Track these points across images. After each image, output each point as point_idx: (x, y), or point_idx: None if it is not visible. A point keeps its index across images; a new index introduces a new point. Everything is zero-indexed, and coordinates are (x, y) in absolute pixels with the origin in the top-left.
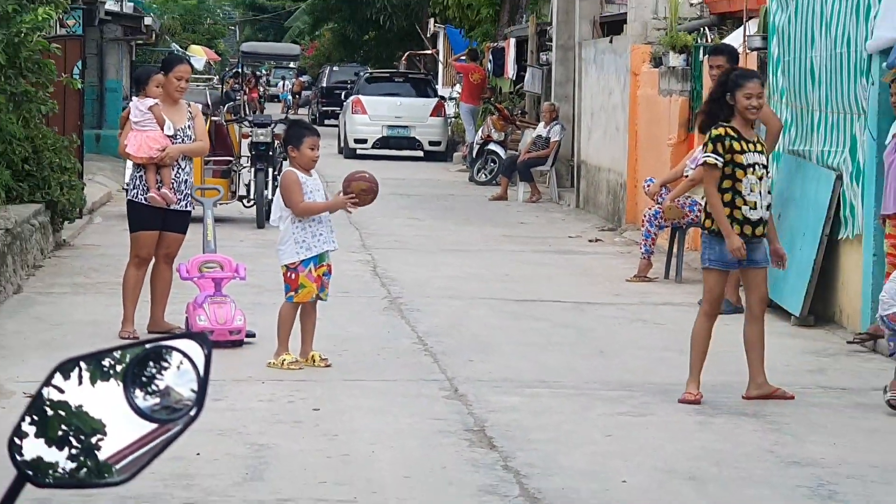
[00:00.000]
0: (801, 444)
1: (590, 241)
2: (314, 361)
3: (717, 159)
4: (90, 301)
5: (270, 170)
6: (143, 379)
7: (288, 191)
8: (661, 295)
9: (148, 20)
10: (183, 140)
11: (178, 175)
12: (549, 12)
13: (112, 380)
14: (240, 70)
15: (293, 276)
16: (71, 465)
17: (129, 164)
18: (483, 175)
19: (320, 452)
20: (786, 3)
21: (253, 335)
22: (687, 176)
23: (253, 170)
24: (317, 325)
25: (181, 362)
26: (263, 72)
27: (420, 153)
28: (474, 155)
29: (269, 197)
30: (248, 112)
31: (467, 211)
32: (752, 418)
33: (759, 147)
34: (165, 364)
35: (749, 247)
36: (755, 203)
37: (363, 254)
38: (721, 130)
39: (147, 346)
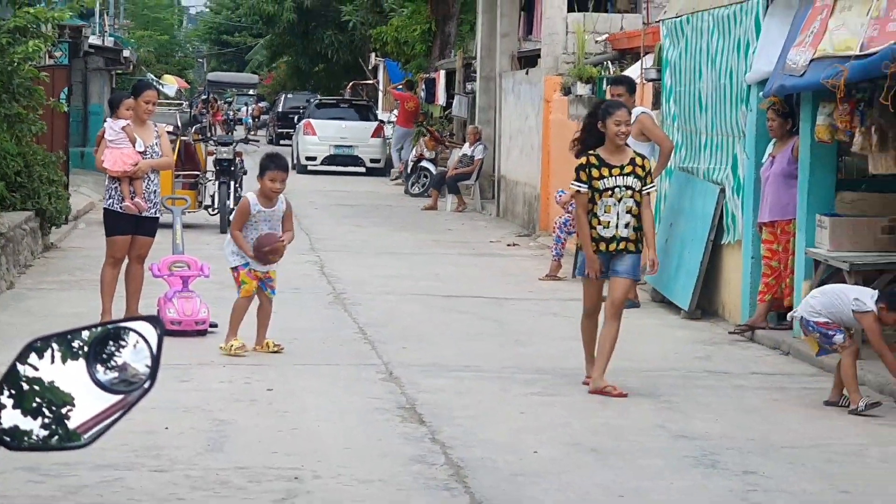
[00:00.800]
0: (688, 420)
1: (508, 245)
2: (268, 348)
3: (580, 186)
4: (74, 296)
5: (232, 183)
6: (104, 356)
7: (235, 213)
8: (569, 292)
9: (126, 52)
10: (152, 156)
11: (147, 186)
12: (474, 48)
13: (80, 358)
14: (206, 97)
15: (236, 275)
16: (44, 433)
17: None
18: (416, 188)
19: (272, 427)
20: (677, 40)
21: (215, 325)
22: None
23: (217, 183)
24: (271, 317)
25: (137, 341)
26: (227, 99)
27: (362, 169)
28: (409, 171)
29: (231, 206)
30: (213, 133)
31: (402, 219)
32: (647, 398)
33: (626, 170)
34: (123, 343)
35: (610, 259)
36: (608, 223)
37: (312, 255)
38: (583, 160)
39: (108, 327)
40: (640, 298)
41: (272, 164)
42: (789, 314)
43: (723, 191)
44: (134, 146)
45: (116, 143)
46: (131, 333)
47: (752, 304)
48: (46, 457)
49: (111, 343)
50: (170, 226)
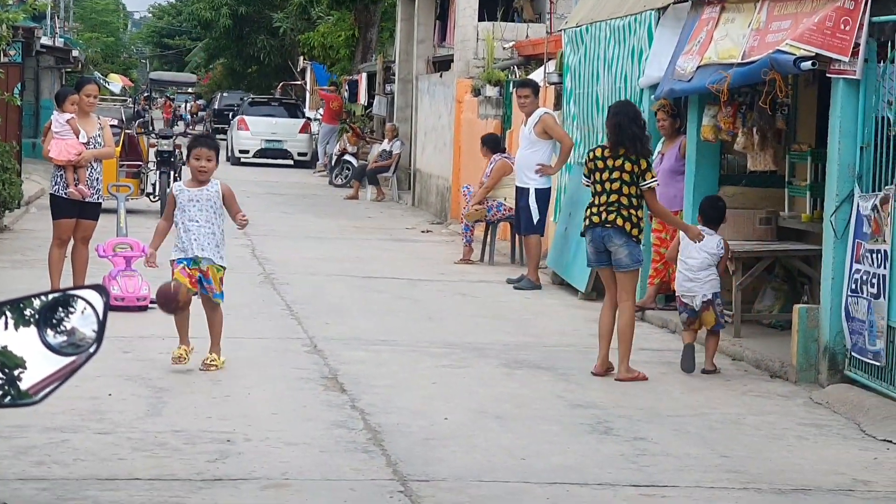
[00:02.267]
0: (584, 391)
1: (422, 231)
2: (209, 363)
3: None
4: (25, 274)
5: (172, 172)
6: (54, 321)
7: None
8: (478, 274)
9: (75, 52)
10: (95, 146)
11: (91, 174)
12: (394, 53)
13: (32, 325)
14: (148, 94)
15: (172, 269)
16: None
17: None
18: (340, 179)
19: (207, 394)
20: (577, 47)
21: (154, 302)
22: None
23: (158, 172)
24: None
25: (84, 308)
26: (169, 96)
27: (290, 162)
28: (333, 163)
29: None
30: (161, 126)
31: (327, 207)
32: (547, 371)
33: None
34: (72, 309)
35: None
36: None
37: (244, 239)
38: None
39: (57, 294)
40: (541, 281)
41: (196, 143)
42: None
43: None
44: (77, 137)
45: (62, 135)
46: (79, 301)
47: (642, 287)
48: None
49: (61, 309)
50: (114, 211)
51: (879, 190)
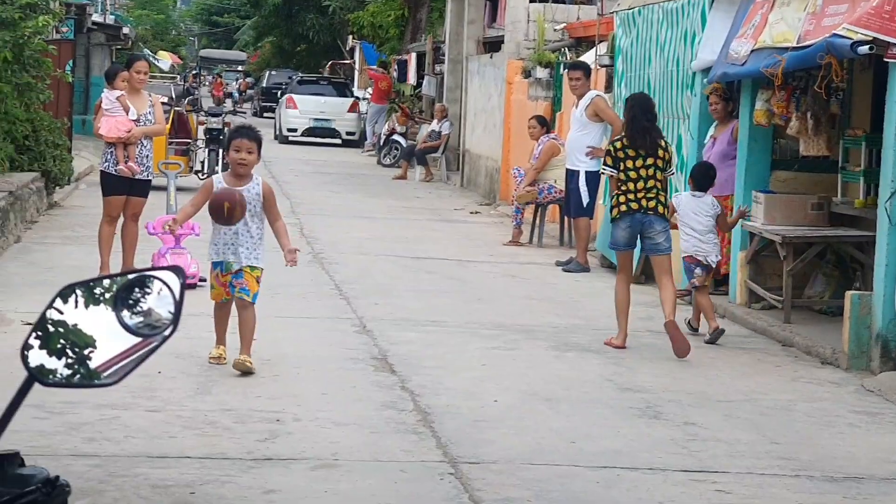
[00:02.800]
0: (634, 374)
1: (471, 213)
2: (241, 366)
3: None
4: (76, 250)
5: (220, 150)
6: (131, 301)
7: (198, 190)
8: (527, 256)
9: (126, 30)
10: (145, 123)
11: (140, 151)
12: (443, 33)
13: (102, 304)
14: (198, 71)
15: (210, 274)
16: (67, 372)
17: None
18: (388, 159)
19: (256, 374)
20: (629, 29)
21: (204, 280)
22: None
23: (206, 150)
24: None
25: (161, 289)
26: (217, 73)
27: (339, 141)
28: (381, 143)
29: (219, 172)
30: (210, 103)
31: (375, 187)
32: (597, 354)
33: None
34: (148, 290)
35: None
36: None
37: (293, 218)
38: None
39: (134, 275)
40: (590, 264)
41: (237, 133)
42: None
43: None
44: (128, 114)
45: (112, 112)
46: (156, 281)
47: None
48: (52, 395)
49: (137, 290)
50: (164, 188)
51: None
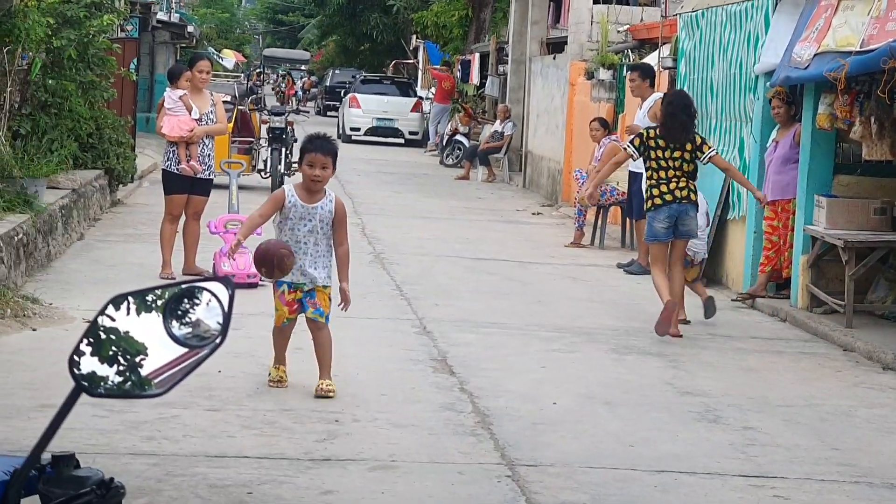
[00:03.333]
0: (693, 378)
1: (533, 214)
2: (320, 391)
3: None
4: (138, 248)
5: (283, 149)
6: (179, 312)
7: (268, 200)
8: (588, 258)
9: (190, 28)
10: (207, 122)
11: (202, 150)
12: (507, 34)
13: (153, 312)
14: (261, 70)
15: (273, 291)
16: (118, 379)
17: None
18: (450, 159)
19: (316, 374)
20: (692, 32)
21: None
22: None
23: (269, 149)
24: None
25: (210, 300)
26: (282, 73)
27: (402, 140)
28: (444, 143)
29: (282, 171)
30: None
31: (437, 187)
32: (656, 357)
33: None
34: (197, 301)
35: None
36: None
37: (355, 218)
38: None
39: (183, 286)
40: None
41: (310, 146)
42: None
43: None
44: (190, 113)
45: (174, 111)
46: (205, 293)
47: (753, 275)
48: None
49: (186, 300)
50: (226, 187)
51: None
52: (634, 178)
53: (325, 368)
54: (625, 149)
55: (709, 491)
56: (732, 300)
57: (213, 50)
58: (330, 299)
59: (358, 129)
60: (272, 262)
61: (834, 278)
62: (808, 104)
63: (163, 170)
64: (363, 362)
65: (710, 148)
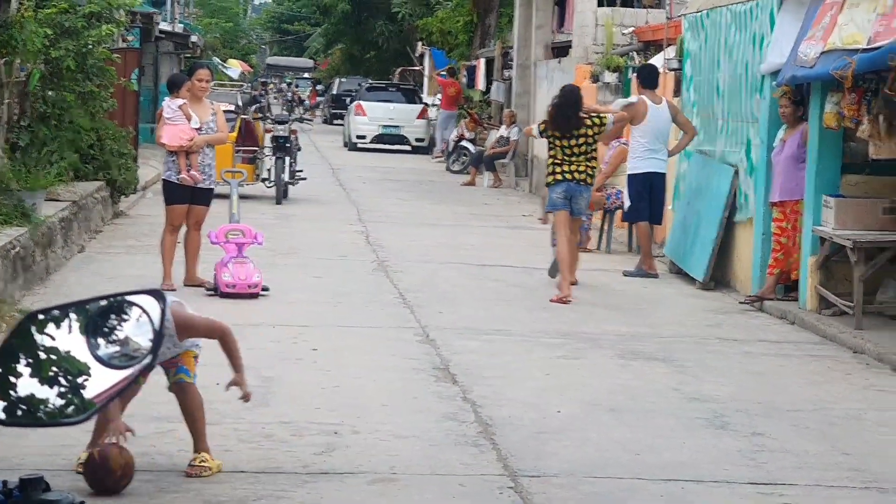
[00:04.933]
0: (700, 383)
1: (539, 219)
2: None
3: None
4: (139, 260)
5: (287, 158)
6: (105, 329)
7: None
8: (594, 263)
9: (194, 38)
10: (207, 131)
11: (203, 160)
12: (512, 38)
13: (76, 330)
14: (266, 79)
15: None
16: (60, 402)
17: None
18: (457, 165)
19: (316, 384)
20: (697, 33)
21: (267, 289)
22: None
23: (274, 158)
24: (314, 285)
25: (140, 316)
26: (287, 81)
27: (408, 147)
28: (450, 150)
29: (286, 180)
30: (280, 111)
31: (443, 194)
32: (662, 362)
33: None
34: (126, 317)
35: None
36: None
37: (359, 226)
38: None
39: (110, 300)
40: (658, 270)
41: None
42: None
43: (737, 172)
44: (189, 123)
45: (174, 121)
46: (134, 307)
47: (761, 277)
48: None
49: (113, 316)
50: (227, 196)
51: None
52: (631, 180)
53: (199, 437)
54: (536, 135)
55: (716, 499)
56: (741, 303)
57: (218, 60)
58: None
59: (364, 137)
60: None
61: (843, 279)
62: (814, 103)
63: (163, 180)
64: (364, 372)
65: (604, 124)
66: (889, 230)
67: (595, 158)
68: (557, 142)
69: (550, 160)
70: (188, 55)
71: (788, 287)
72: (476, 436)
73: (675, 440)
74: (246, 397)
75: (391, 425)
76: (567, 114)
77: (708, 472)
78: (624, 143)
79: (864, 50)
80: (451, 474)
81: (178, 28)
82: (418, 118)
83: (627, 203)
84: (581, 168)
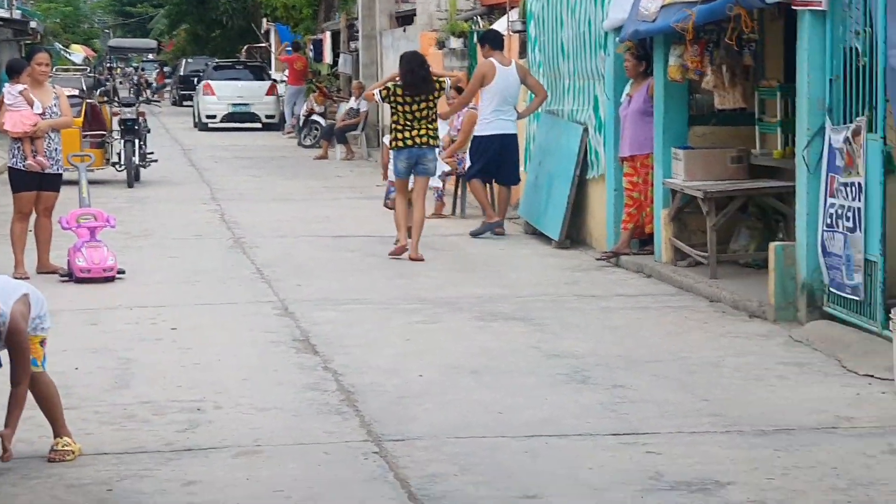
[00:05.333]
0: (559, 340)
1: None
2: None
3: None
4: None
5: (137, 140)
6: None
7: None
8: (449, 228)
9: (33, 24)
10: (51, 116)
11: (48, 145)
12: (356, 10)
13: None
14: (111, 63)
15: None
16: None
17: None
18: (308, 140)
19: (176, 363)
20: None
21: (123, 272)
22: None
23: (122, 141)
24: (170, 265)
25: None
26: (133, 65)
27: (258, 125)
28: (301, 124)
29: (136, 163)
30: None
31: (295, 168)
32: (520, 322)
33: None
34: None
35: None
36: None
37: (213, 204)
38: None
39: None
40: (510, 230)
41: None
42: None
43: (586, 130)
44: (32, 108)
45: (15, 107)
46: None
47: (615, 233)
48: None
49: None
50: (76, 182)
51: (850, 122)
52: (475, 141)
53: (57, 423)
54: (377, 98)
55: (579, 453)
56: (597, 259)
57: (60, 46)
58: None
59: (214, 117)
60: None
61: (696, 230)
62: (658, 57)
63: (9, 167)
64: (225, 347)
65: (444, 88)
66: (738, 179)
67: (436, 120)
68: (400, 107)
69: (393, 125)
70: (28, 41)
71: (643, 241)
72: (339, 404)
73: (537, 397)
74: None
75: (253, 399)
76: (422, 75)
77: (570, 427)
78: (473, 108)
79: (704, 1)
80: (315, 443)
81: (17, 14)
82: (267, 95)
83: (468, 163)
84: (423, 132)
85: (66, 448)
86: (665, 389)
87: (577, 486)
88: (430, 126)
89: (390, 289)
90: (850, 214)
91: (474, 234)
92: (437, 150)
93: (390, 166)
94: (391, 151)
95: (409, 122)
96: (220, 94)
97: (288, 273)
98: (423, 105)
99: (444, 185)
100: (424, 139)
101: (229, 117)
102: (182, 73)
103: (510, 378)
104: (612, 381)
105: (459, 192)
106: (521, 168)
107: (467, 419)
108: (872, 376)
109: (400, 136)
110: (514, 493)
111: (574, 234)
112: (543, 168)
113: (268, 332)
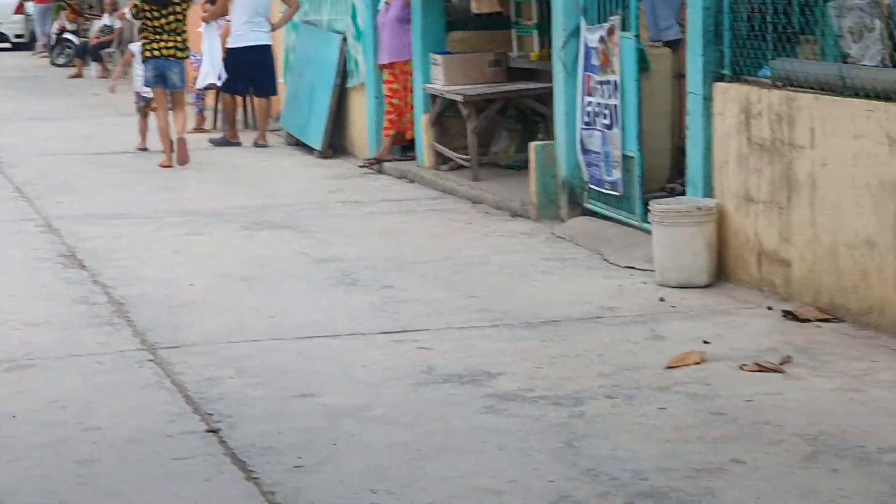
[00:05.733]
0: (327, 246)
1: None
2: None
3: None
4: None
5: None
6: None
7: None
8: (206, 140)
9: None
10: None
11: None
12: None
13: None
14: None
15: None
16: None
17: None
18: (61, 59)
19: None
20: None
21: None
22: None
23: None
24: None
25: None
26: None
27: (8, 45)
28: (53, 43)
29: None
30: None
31: (50, 88)
32: (288, 230)
33: None
34: None
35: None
36: None
37: None
38: None
39: None
40: (272, 142)
41: None
42: None
43: (345, 39)
44: None
45: None
46: None
47: (377, 140)
48: None
49: None
50: None
51: (605, 21)
52: (229, 54)
53: None
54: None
55: (352, 351)
56: (360, 167)
57: None
58: None
59: None
60: None
61: (457, 134)
62: None
63: None
64: None
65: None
66: (496, 82)
67: (184, 32)
68: (149, 22)
69: (142, 38)
70: None
71: (405, 147)
72: (110, 315)
73: (309, 301)
74: None
75: (22, 314)
76: None
77: (342, 327)
78: (228, 20)
79: None
80: (88, 354)
81: None
82: (16, 13)
83: (225, 76)
84: (170, 44)
85: None
86: (433, 288)
87: (351, 384)
88: (177, 38)
89: (156, 203)
90: (607, 112)
91: (213, 143)
92: (184, 62)
93: (139, 75)
94: (143, 63)
95: (156, 35)
96: None
97: (49, 191)
98: (171, 18)
99: (203, 100)
100: (171, 51)
101: None
102: None
103: (281, 284)
104: (381, 282)
105: (218, 107)
106: (279, 79)
107: (241, 324)
108: (633, 268)
109: (148, 47)
110: (290, 392)
111: (337, 144)
112: (304, 79)
113: (32, 248)
